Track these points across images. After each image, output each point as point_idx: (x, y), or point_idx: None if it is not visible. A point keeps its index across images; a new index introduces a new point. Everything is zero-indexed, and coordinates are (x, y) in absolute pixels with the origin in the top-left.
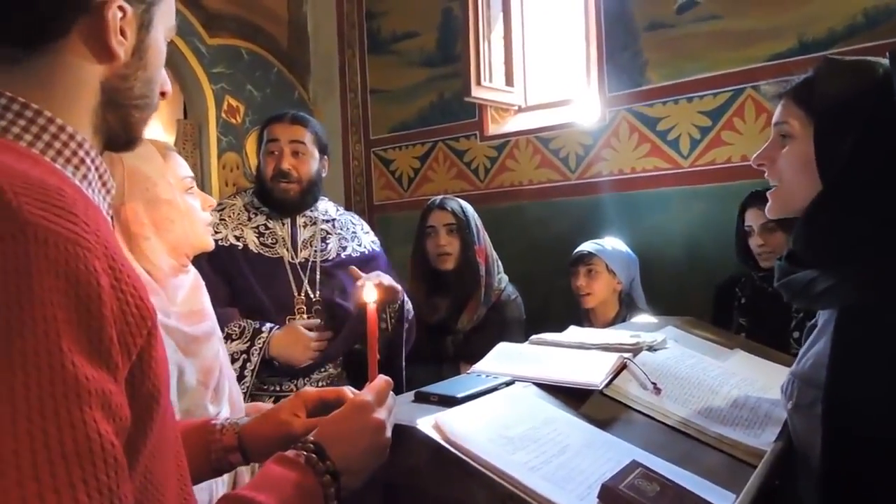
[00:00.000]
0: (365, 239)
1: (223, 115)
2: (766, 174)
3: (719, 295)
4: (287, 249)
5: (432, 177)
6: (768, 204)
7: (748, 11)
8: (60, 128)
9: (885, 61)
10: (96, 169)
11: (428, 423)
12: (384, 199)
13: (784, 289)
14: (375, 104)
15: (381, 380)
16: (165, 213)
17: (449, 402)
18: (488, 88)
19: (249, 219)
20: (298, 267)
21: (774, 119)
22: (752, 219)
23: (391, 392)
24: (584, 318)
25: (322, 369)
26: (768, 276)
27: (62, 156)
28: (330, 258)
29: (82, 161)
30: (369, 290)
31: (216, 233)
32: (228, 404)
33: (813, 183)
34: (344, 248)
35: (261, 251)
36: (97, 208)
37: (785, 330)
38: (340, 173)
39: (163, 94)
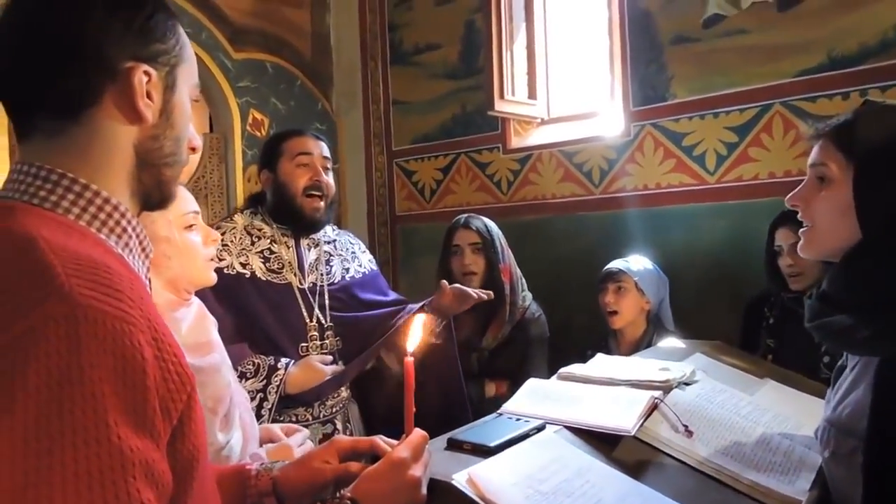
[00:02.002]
0: (363, 259)
1: (248, 128)
2: (799, 215)
3: (748, 314)
4: (294, 274)
5: (455, 189)
6: (801, 243)
7: (776, 26)
8: (105, 200)
9: None
10: (136, 236)
11: (462, 476)
12: (406, 210)
13: (818, 331)
14: (398, 116)
15: (418, 434)
16: (162, 250)
17: (482, 451)
18: (511, 102)
19: (252, 243)
20: (307, 292)
21: (811, 160)
22: (782, 238)
23: (427, 447)
24: (609, 336)
25: (335, 395)
26: (798, 297)
27: (106, 226)
28: (335, 281)
29: (124, 230)
30: (412, 339)
31: (220, 260)
32: (241, 431)
33: (851, 228)
34: (347, 270)
35: (269, 278)
36: (139, 279)
37: (814, 353)
38: (363, 184)
39: (192, 149)
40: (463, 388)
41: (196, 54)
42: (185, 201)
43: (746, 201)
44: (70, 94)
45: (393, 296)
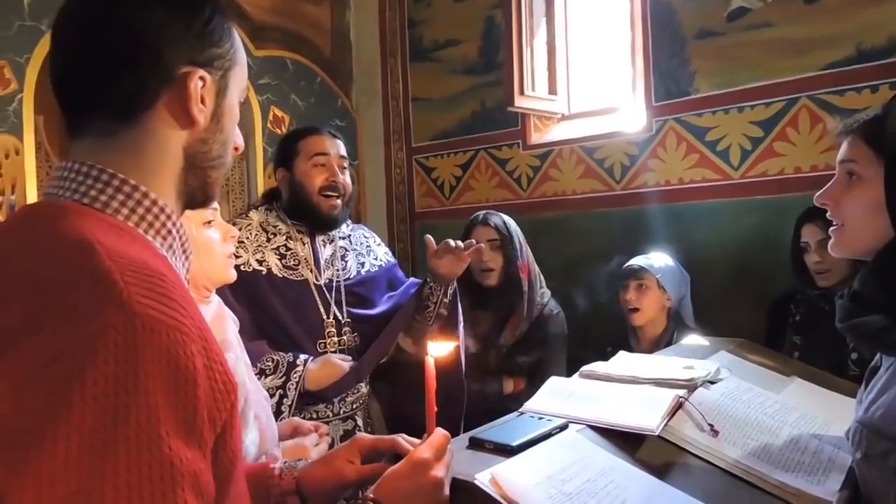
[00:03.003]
0: (379, 251)
1: (269, 125)
2: (828, 213)
3: (773, 311)
4: (311, 271)
5: (474, 185)
6: (831, 242)
7: (802, 19)
8: (153, 201)
9: None
10: (180, 238)
11: (485, 476)
12: (426, 206)
13: (851, 331)
14: (417, 112)
15: (440, 434)
16: None
17: (504, 450)
18: (531, 97)
19: (268, 239)
20: (324, 288)
21: (840, 157)
22: (809, 235)
23: (449, 447)
24: (630, 333)
25: (355, 390)
26: (824, 294)
27: (153, 228)
28: (351, 276)
29: (169, 232)
30: (433, 345)
31: (237, 257)
32: (257, 431)
33: (883, 226)
34: (362, 265)
35: (285, 275)
36: (183, 283)
37: (842, 350)
38: (383, 181)
39: (235, 149)
40: (463, 383)
41: None
42: None
43: (772, 197)
44: (126, 97)
45: (409, 284)
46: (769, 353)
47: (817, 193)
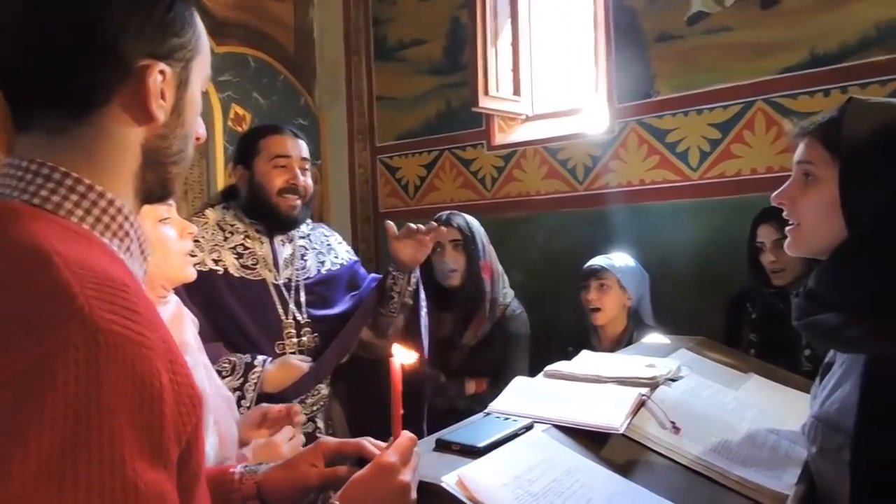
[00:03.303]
0: (340, 250)
1: (230, 123)
2: (784, 213)
3: (730, 309)
4: (269, 270)
5: (439, 185)
6: (787, 241)
7: (759, 23)
8: (109, 202)
9: None
10: (137, 238)
11: (452, 479)
12: (390, 206)
13: (806, 329)
14: (382, 111)
15: (406, 438)
16: None
17: (471, 452)
18: (496, 98)
19: (225, 238)
20: (283, 288)
21: (797, 158)
22: (765, 235)
23: (415, 450)
24: (591, 332)
25: (315, 392)
26: (780, 292)
27: (109, 230)
28: (311, 276)
29: (126, 233)
30: (399, 351)
31: (191, 256)
32: (216, 435)
33: (837, 226)
34: (322, 264)
35: (243, 274)
36: (146, 295)
37: (795, 347)
38: (346, 181)
39: (197, 139)
40: (426, 386)
41: None
42: None
43: (729, 198)
44: (78, 92)
45: (370, 279)
46: (727, 351)
47: (774, 193)
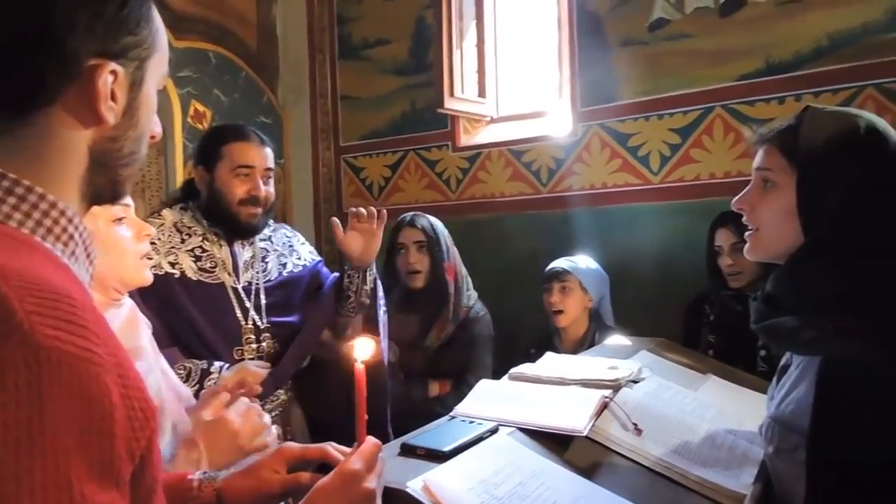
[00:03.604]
0: (303, 251)
1: (189, 120)
2: (744, 218)
3: (689, 312)
4: (228, 273)
5: (403, 186)
6: (747, 246)
7: (718, 31)
8: (51, 204)
9: (867, 113)
10: (83, 242)
11: (417, 483)
12: (354, 206)
13: (763, 332)
14: (346, 111)
15: (371, 443)
16: None
17: (436, 456)
18: (461, 99)
19: (183, 241)
20: (242, 292)
21: (756, 164)
22: (722, 239)
23: (380, 455)
24: (554, 334)
25: (274, 397)
26: (737, 294)
27: (52, 234)
28: (272, 278)
29: (71, 237)
30: (360, 347)
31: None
32: (174, 437)
33: (795, 231)
34: (284, 266)
35: (200, 277)
36: (93, 304)
37: (752, 348)
38: (310, 180)
39: (152, 137)
40: (386, 382)
41: None
42: None
43: (689, 201)
44: (20, 92)
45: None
46: (687, 352)
47: (734, 199)
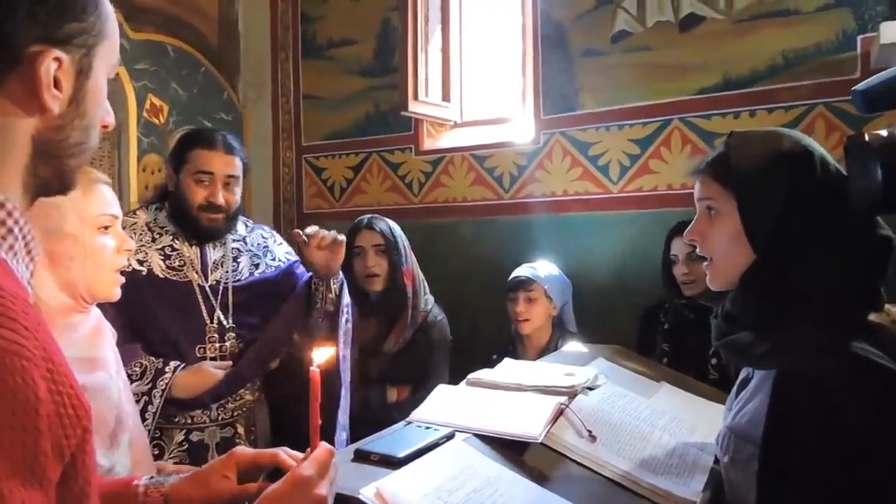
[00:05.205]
0: (279, 251)
1: (145, 114)
2: (698, 250)
3: (644, 320)
4: (196, 272)
5: (365, 188)
6: (708, 277)
7: (677, 45)
8: None
9: (788, 131)
10: (23, 238)
11: (370, 490)
12: (315, 207)
13: (724, 348)
14: (308, 110)
15: (324, 449)
16: (66, 249)
17: (390, 462)
18: (425, 103)
19: (153, 239)
20: (209, 291)
21: (697, 195)
22: (678, 248)
23: (333, 462)
24: (517, 341)
25: (237, 397)
26: (690, 303)
27: None
28: (242, 279)
29: (10, 231)
30: (318, 352)
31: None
32: (130, 456)
33: (745, 252)
34: (256, 266)
35: (167, 275)
36: (28, 299)
37: (704, 356)
38: (270, 180)
39: (105, 127)
40: (342, 384)
41: None
42: (103, 202)
43: (647, 211)
44: None
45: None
46: (641, 360)
47: (685, 231)
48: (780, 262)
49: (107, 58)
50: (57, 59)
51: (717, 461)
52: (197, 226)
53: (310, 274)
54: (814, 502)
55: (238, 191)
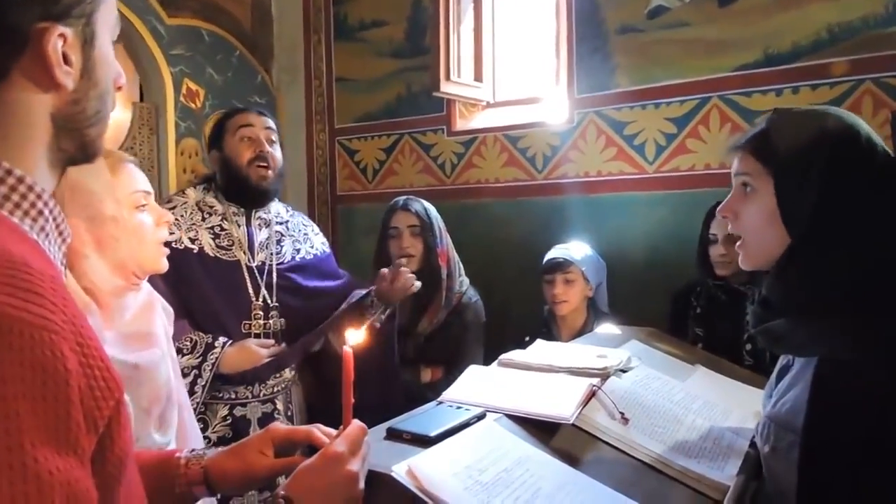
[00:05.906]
0: (316, 241)
1: (182, 98)
2: (729, 227)
3: (676, 304)
4: (244, 252)
5: (398, 170)
6: (739, 258)
7: (716, 21)
8: (18, 179)
9: (835, 109)
10: (54, 219)
11: (402, 468)
12: (348, 189)
13: (762, 336)
14: (341, 93)
15: (356, 427)
16: (110, 231)
17: (422, 441)
18: (457, 83)
19: (203, 219)
20: (255, 270)
21: (734, 171)
22: (718, 228)
23: (365, 440)
24: (552, 322)
25: (277, 374)
26: (723, 285)
27: (20, 209)
28: (285, 261)
29: (40, 213)
30: (352, 333)
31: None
32: (178, 434)
33: (780, 234)
34: (298, 251)
35: (217, 254)
36: (59, 274)
37: (738, 341)
38: (304, 163)
39: (118, 88)
40: (399, 377)
41: (125, 17)
42: (134, 180)
43: (683, 191)
44: None
45: (343, 278)
46: (675, 342)
47: (719, 206)
48: (816, 249)
49: (107, 21)
50: (62, 35)
51: (752, 445)
52: (249, 184)
53: (357, 291)
54: (856, 492)
55: (279, 150)
